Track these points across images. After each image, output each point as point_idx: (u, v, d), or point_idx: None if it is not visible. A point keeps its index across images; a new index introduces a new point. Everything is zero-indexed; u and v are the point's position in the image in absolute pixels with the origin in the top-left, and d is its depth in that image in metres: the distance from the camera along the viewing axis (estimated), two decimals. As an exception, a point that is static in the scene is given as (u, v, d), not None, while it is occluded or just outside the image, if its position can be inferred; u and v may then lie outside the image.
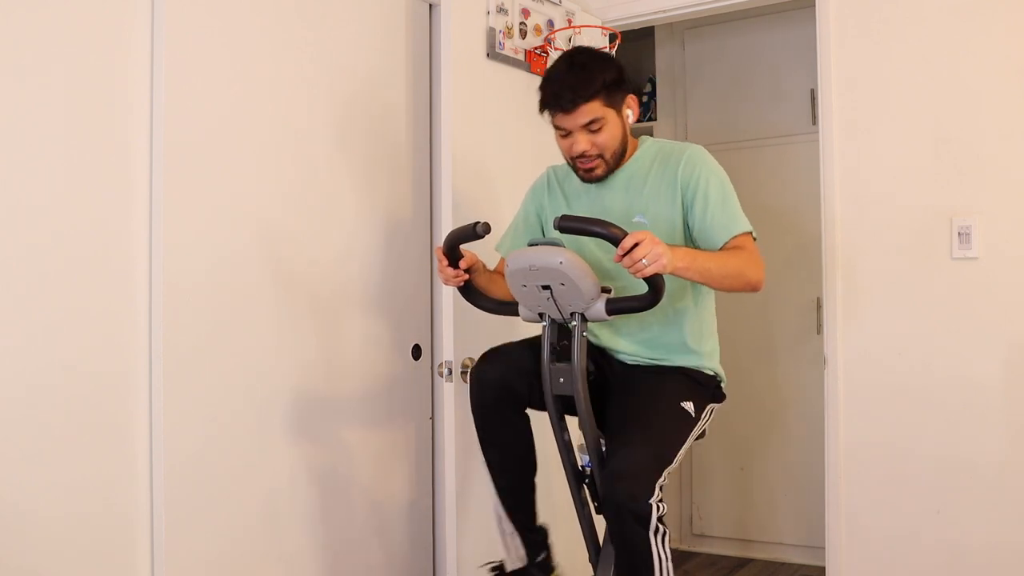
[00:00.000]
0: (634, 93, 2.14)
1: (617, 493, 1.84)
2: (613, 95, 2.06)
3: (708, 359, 2.18)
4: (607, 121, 2.06)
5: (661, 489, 1.86)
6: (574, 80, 2.02)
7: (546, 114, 2.10)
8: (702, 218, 2.06)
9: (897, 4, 2.77)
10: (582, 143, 2.06)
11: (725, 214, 2.06)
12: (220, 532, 2.21)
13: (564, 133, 2.09)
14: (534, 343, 2.07)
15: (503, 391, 2.04)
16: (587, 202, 2.19)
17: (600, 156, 2.09)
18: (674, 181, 2.10)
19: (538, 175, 2.40)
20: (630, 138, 2.18)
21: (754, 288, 2.04)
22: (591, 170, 2.11)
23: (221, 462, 2.22)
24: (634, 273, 1.80)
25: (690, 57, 4.21)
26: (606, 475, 1.91)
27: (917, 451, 2.71)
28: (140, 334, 2.08)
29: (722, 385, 2.22)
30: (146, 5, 2.09)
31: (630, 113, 2.12)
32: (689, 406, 2.05)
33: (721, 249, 2.05)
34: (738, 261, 2.02)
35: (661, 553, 1.85)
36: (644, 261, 1.78)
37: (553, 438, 2.07)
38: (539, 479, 2.16)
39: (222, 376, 2.23)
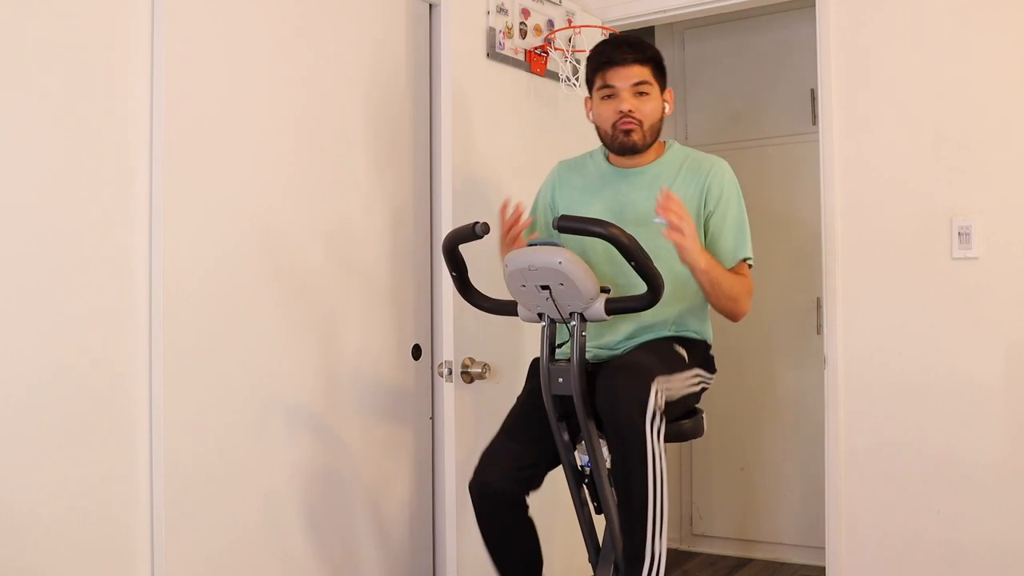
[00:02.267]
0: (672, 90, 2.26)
1: (614, 384, 1.89)
2: (661, 73, 2.21)
3: (701, 334, 2.24)
4: (653, 92, 2.17)
5: (658, 395, 1.89)
6: (631, 42, 2.18)
7: (591, 82, 2.21)
8: (717, 233, 2.16)
9: (897, 4, 2.77)
10: (628, 102, 2.15)
11: (737, 238, 2.16)
12: (220, 532, 2.21)
13: (610, 94, 2.17)
14: (516, 420, 2.13)
15: (500, 501, 2.07)
16: (608, 195, 2.22)
17: (640, 123, 2.16)
18: (701, 190, 2.18)
19: (538, 175, 2.41)
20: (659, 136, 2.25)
21: (737, 316, 2.16)
22: (630, 132, 2.17)
23: (221, 462, 2.22)
24: (668, 219, 1.92)
25: (690, 57, 4.21)
26: (605, 370, 1.94)
27: (917, 451, 2.71)
28: (140, 334, 2.08)
29: (712, 358, 2.26)
30: (146, 5, 2.09)
31: (667, 105, 2.23)
32: (681, 350, 2.13)
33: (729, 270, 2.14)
34: (740, 289, 2.13)
35: (656, 448, 1.87)
36: (684, 225, 1.92)
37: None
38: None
39: (222, 376, 2.23)
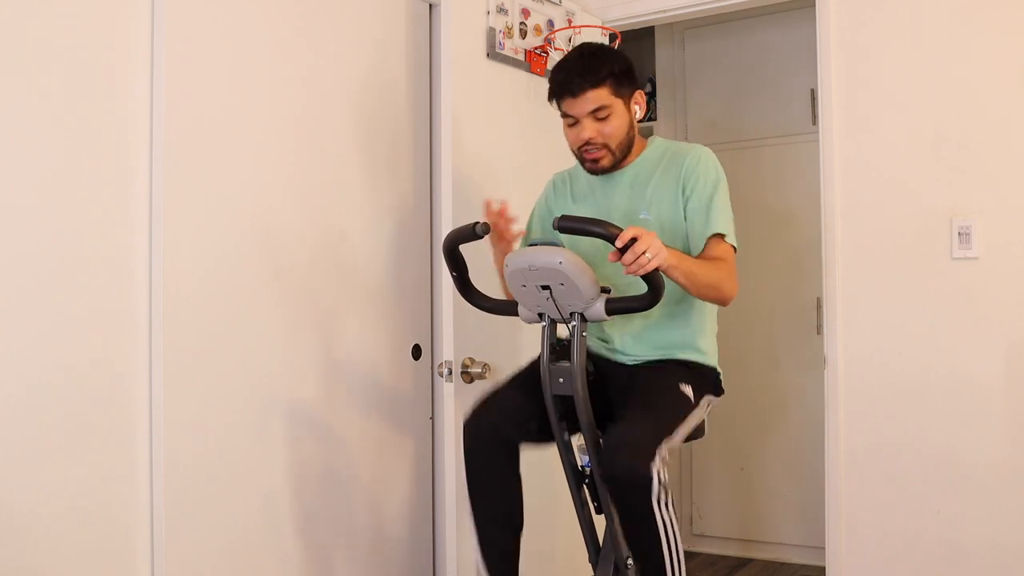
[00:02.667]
0: (642, 90, 2.17)
1: (617, 462, 1.85)
2: (621, 86, 2.09)
3: (708, 357, 2.20)
4: (614, 111, 2.09)
5: (663, 461, 1.86)
6: (583, 67, 2.07)
7: (555, 105, 2.12)
8: (692, 215, 2.10)
9: (897, 4, 2.77)
10: (588, 130, 2.08)
11: (709, 215, 2.08)
12: (220, 532, 2.21)
13: (571, 122, 2.11)
14: (525, 377, 2.10)
15: (494, 440, 2.05)
16: (594, 203, 2.21)
17: (606, 146, 2.11)
18: (678, 179, 2.12)
19: (538, 175, 2.41)
20: (638, 137, 2.20)
21: (724, 302, 2.09)
22: (597, 160, 2.12)
23: (221, 462, 2.22)
24: (635, 270, 1.79)
25: (690, 57, 4.21)
26: (606, 448, 1.91)
27: (917, 451, 2.71)
28: (140, 334, 2.08)
29: (720, 379, 2.23)
30: (146, 5, 2.09)
31: (637, 108, 2.15)
32: (688, 390, 2.07)
33: (703, 252, 2.08)
34: (720, 274, 2.05)
35: (665, 517, 1.85)
36: (647, 255, 1.78)
37: (547, 455, 2.09)
38: (539, 481, 2.16)
39: (222, 376, 2.23)
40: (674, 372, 2.10)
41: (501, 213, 2.15)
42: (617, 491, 1.88)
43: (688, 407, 2.05)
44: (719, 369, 2.22)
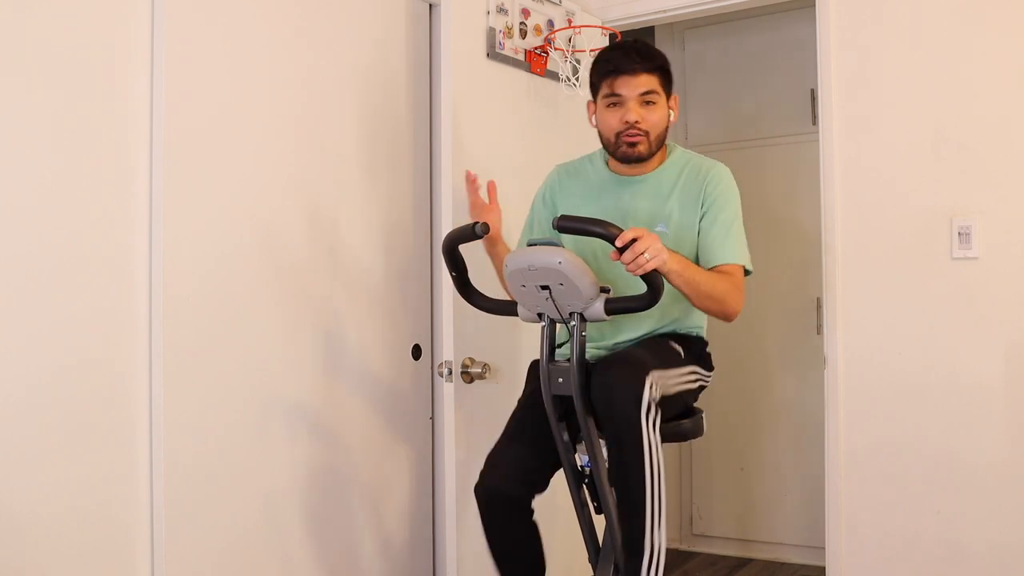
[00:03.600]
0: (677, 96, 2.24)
1: (609, 378, 1.88)
2: (668, 82, 2.16)
3: (696, 330, 2.24)
4: (659, 101, 2.13)
5: (653, 384, 1.88)
6: (638, 50, 2.13)
7: (599, 87, 2.15)
8: (704, 233, 2.12)
9: (897, 4, 2.77)
10: (635, 112, 2.11)
11: (724, 239, 2.11)
12: (220, 532, 2.21)
13: (616, 102, 2.13)
14: (518, 425, 2.12)
15: (507, 506, 2.07)
16: (610, 202, 2.20)
17: (647, 133, 2.13)
18: (699, 195, 2.14)
19: (538, 175, 2.40)
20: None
21: (727, 317, 2.10)
22: (635, 144, 2.13)
23: (221, 462, 2.22)
24: (634, 269, 1.81)
25: (690, 57, 4.21)
26: (599, 370, 1.93)
27: (917, 451, 2.71)
28: (140, 334, 2.08)
29: (710, 355, 2.26)
30: (146, 5, 2.09)
31: (672, 112, 2.18)
32: (677, 347, 2.11)
33: (712, 269, 2.09)
34: (725, 287, 2.06)
35: (651, 437, 1.87)
36: (646, 255, 1.79)
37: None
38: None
39: (222, 376, 2.23)
40: (663, 336, 2.16)
41: (472, 181, 2.28)
42: (606, 403, 1.89)
43: (678, 359, 2.09)
44: (707, 341, 2.26)
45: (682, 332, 2.20)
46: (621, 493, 1.93)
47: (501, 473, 2.08)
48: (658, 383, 1.91)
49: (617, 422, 1.88)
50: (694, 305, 2.07)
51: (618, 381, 1.88)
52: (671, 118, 2.18)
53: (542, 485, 2.10)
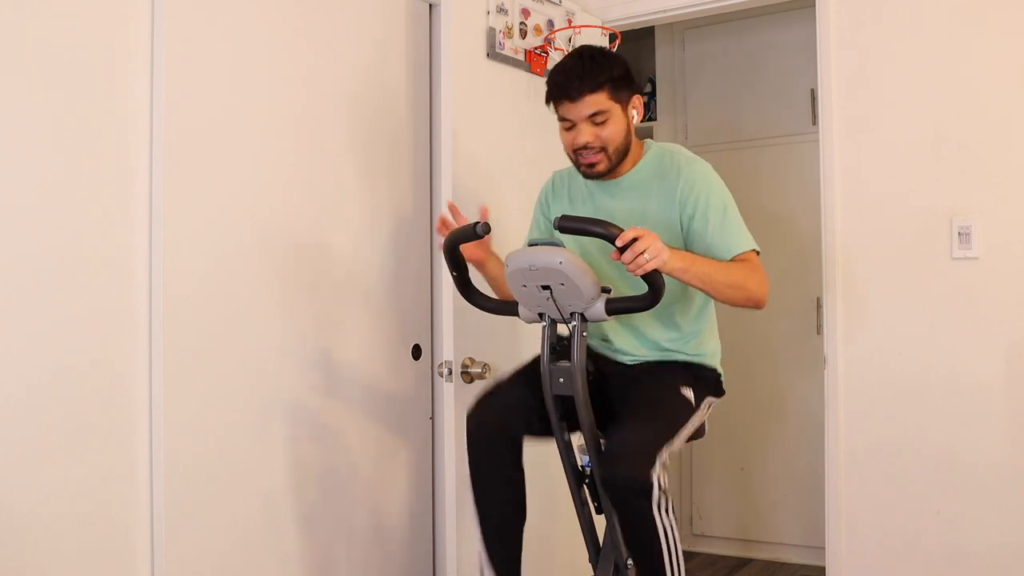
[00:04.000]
0: (640, 95, 2.15)
1: (617, 470, 1.85)
2: (619, 90, 2.06)
3: (710, 359, 2.20)
4: (612, 115, 2.06)
5: (663, 467, 1.86)
6: (581, 70, 2.04)
7: (552, 108, 2.11)
8: (702, 237, 2.05)
9: (897, 4, 2.77)
10: (585, 134, 2.05)
11: (725, 233, 2.05)
12: (220, 532, 2.21)
13: (568, 125, 2.09)
14: (528, 371, 2.10)
15: (497, 431, 2.05)
16: (591, 207, 2.19)
17: (603, 150, 2.08)
18: (672, 199, 2.09)
19: (538, 175, 2.40)
20: (635, 141, 2.17)
21: (757, 304, 2.03)
22: (593, 165, 2.09)
23: (221, 462, 2.22)
24: (634, 269, 1.79)
25: (690, 57, 4.21)
26: (605, 456, 1.91)
27: (917, 451, 2.71)
28: (140, 334, 2.08)
29: (721, 380, 2.23)
30: (146, 5, 2.09)
31: (635, 113, 2.12)
32: (688, 393, 2.06)
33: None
34: (742, 273, 2.00)
35: (665, 522, 1.86)
36: (646, 255, 1.78)
37: (547, 456, 2.09)
38: (539, 481, 2.15)
39: (222, 376, 2.23)
40: (675, 374, 2.10)
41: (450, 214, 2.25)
42: (617, 498, 1.88)
43: (689, 411, 2.05)
44: (720, 370, 2.22)
45: (696, 362, 2.15)
46: (639, 563, 1.94)
47: (501, 401, 2.06)
48: (666, 464, 1.89)
49: (631, 521, 1.88)
50: (719, 300, 2.02)
51: (627, 478, 1.84)
52: (634, 120, 2.12)
53: (537, 429, 2.06)
